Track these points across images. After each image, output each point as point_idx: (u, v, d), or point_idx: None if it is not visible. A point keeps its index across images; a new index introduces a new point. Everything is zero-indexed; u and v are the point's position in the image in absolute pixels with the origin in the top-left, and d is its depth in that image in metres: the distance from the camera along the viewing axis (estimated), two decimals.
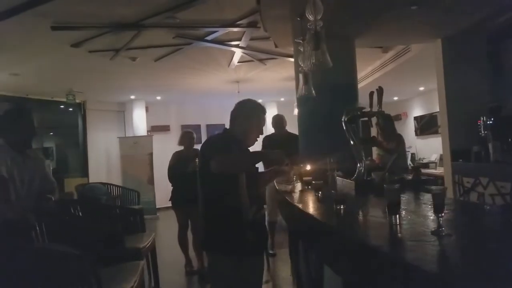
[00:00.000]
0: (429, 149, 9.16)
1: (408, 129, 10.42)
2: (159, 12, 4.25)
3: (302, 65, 2.96)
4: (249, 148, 2.52)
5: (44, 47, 5.06)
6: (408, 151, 9.44)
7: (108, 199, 4.46)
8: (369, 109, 2.77)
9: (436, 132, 8.64)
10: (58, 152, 9.78)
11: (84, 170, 8.99)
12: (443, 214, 1.29)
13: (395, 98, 10.57)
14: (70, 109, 9.22)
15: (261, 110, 2.43)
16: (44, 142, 9.34)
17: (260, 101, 10.52)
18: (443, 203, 1.29)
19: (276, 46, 5.10)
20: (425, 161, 9.08)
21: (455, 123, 4.62)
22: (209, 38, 5.19)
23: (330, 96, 4.00)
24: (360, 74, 7.80)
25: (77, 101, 8.57)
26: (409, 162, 8.97)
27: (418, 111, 10.15)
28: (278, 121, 5.32)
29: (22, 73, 6.21)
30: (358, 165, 2.63)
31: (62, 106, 8.91)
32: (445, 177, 4.73)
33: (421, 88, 9.15)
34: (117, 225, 2.73)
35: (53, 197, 2.64)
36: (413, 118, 10.27)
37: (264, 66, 6.84)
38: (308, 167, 2.68)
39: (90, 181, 8.16)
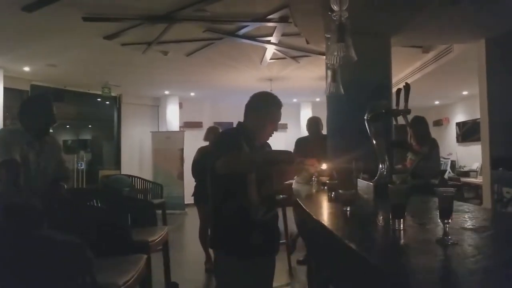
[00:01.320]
0: (471, 157, 8.65)
1: (449, 135, 9.94)
2: (189, 5, 4.21)
3: (326, 60, 2.81)
4: (269, 143, 2.41)
5: (76, 38, 5.16)
6: (448, 159, 9.02)
7: (130, 191, 4.47)
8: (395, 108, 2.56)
9: (479, 140, 8.13)
10: (93, 145, 10.06)
11: (117, 163, 9.19)
12: (449, 221, 1.12)
13: (437, 102, 10.09)
14: (107, 102, 9.47)
15: (274, 103, 2.29)
16: (80, 134, 9.66)
17: (294, 100, 10.56)
18: (449, 208, 1.12)
19: (307, 43, 4.94)
20: (465, 169, 8.61)
21: (497, 129, 4.27)
22: (240, 33, 5.11)
23: (360, 96, 3.79)
24: (398, 75, 7.50)
25: (113, 94, 8.76)
26: (448, 169, 8.55)
27: (460, 117, 9.63)
28: (312, 123, 5.08)
29: (58, 64, 6.39)
30: (380, 166, 2.44)
31: (99, 99, 9.15)
32: (484, 186, 4.40)
33: (465, 93, 8.65)
34: (125, 217, 2.70)
35: (66, 184, 2.65)
36: (455, 124, 9.75)
37: (297, 64, 6.69)
38: (324, 167, 2.51)
39: (122, 173, 8.32)
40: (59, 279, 1.74)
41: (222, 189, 2.12)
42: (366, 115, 2.53)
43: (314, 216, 1.65)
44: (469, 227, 1.36)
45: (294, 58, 6.32)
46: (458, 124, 9.61)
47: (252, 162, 2.09)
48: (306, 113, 10.43)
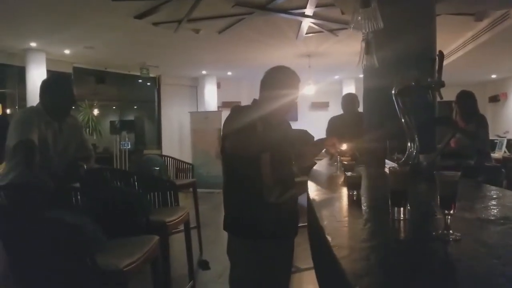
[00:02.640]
0: None
1: (507, 112, 9.18)
2: None
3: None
4: (288, 122, 2.25)
5: (108, 19, 5.16)
6: (504, 137, 8.30)
7: (160, 170, 4.48)
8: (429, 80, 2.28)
9: None
10: (137, 125, 10.28)
11: (158, 143, 9.36)
12: (451, 212, 0.90)
13: (493, 76, 9.28)
14: (148, 83, 9.61)
15: (290, 77, 2.08)
16: (124, 115, 9.87)
17: (336, 78, 10.12)
18: (452, 196, 0.90)
19: (342, 13, 4.62)
20: None
21: None
22: (271, 6, 4.87)
23: (399, 69, 3.47)
24: (449, 47, 6.91)
25: (152, 75, 8.84)
26: (504, 149, 7.89)
27: None
28: (348, 100, 4.78)
29: (95, 46, 6.49)
30: (409, 146, 2.19)
31: (140, 81, 9.29)
32: None
33: None
34: (144, 197, 2.65)
35: (86, 165, 2.62)
36: None
37: (336, 38, 6.32)
38: (345, 147, 2.30)
39: (163, 153, 8.44)
40: (59, 260, 1.71)
41: (233, 169, 2.00)
42: (393, 89, 2.27)
43: (310, 198, 1.48)
44: (490, 218, 1.12)
45: (331, 31, 5.97)
46: None
47: (264, 142, 1.95)
48: (348, 91, 9.98)
